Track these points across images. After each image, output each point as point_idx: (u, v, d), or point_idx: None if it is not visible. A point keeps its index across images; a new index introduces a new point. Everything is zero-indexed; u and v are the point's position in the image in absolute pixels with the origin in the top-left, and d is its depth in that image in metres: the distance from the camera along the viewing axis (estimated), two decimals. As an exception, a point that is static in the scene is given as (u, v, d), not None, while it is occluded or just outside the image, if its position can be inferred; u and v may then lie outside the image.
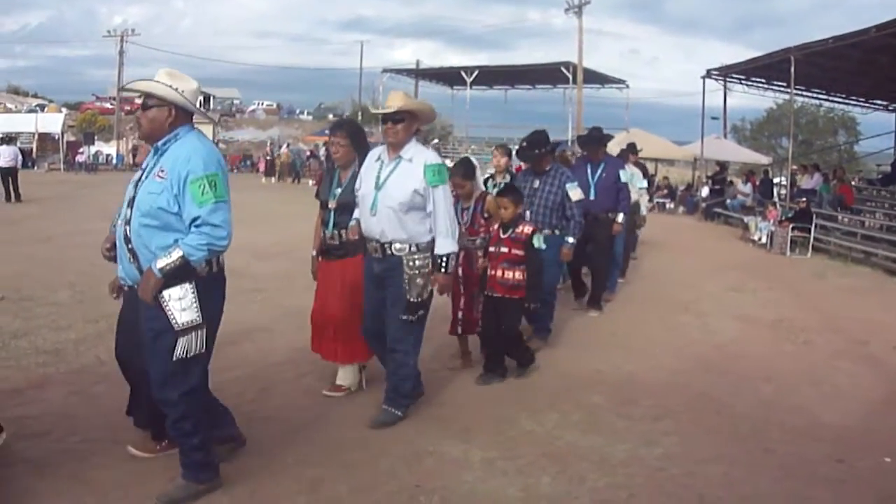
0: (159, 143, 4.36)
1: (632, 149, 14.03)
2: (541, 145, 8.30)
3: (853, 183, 27.47)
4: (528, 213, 7.97)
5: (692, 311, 10.56)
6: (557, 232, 8.21)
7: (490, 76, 55.60)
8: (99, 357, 7.00)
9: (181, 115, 4.40)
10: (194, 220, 4.15)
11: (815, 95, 33.90)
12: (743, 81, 31.09)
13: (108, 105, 60.22)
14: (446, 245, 5.58)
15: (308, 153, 46.01)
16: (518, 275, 6.82)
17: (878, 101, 31.97)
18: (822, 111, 53.27)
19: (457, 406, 6.29)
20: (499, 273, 6.87)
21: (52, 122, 44.86)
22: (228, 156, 49.00)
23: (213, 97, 76.38)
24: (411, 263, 5.56)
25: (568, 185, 8.20)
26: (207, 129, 50.97)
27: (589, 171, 10.10)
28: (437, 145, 46.68)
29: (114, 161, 47.57)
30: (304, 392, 6.44)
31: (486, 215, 7.22)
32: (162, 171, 4.23)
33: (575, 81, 46.28)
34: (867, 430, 6.13)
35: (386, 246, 5.62)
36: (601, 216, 9.87)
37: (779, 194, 26.02)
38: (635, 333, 9.08)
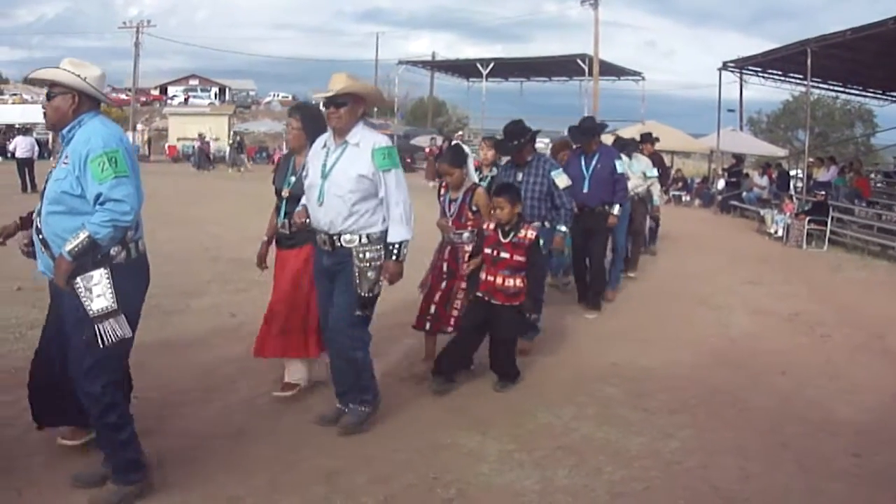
0: (65, 131, 4.30)
1: (647, 138, 13.95)
2: (519, 136, 7.89)
3: (871, 176, 27.29)
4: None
5: (708, 305, 10.54)
6: (548, 224, 7.81)
7: (506, 68, 55.49)
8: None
9: (86, 102, 4.32)
10: (97, 197, 4.07)
11: (831, 88, 33.61)
12: (759, 74, 30.87)
13: (123, 96, 60.37)
14: (399, 232, 5.26)
15: None
16: (519, 282, 6.36)
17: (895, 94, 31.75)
18: (839, 103, 52.81)
19: (473, 398, 6.30)
20: (499, 280, 6.36)
21: (69, 113, 44.93)
22: (245, 147, 49.13)
23: (229, 89, 76.61)
24: (362, 256, 5.25)
25: (553, 173, 7.80)
26: (223, 120, 51.23)
27: (583, 162, 9.70)
28: (461, 137, 46.56)
29: (130, 151, 47.56)
30: (320, 383, 6.44)
31: (473, 208, 6.82)
32: (66, 157, 4.21)
33: (591, 74, 46.16)
34: (883, 425, 6.11)
35: (335, 238, 5.29)
36: (597, 209, 9.58)
37: (795, 187, 25.87)
38: (651, 327, 9.07)
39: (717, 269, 13.75)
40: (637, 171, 11.82)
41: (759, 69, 29.96)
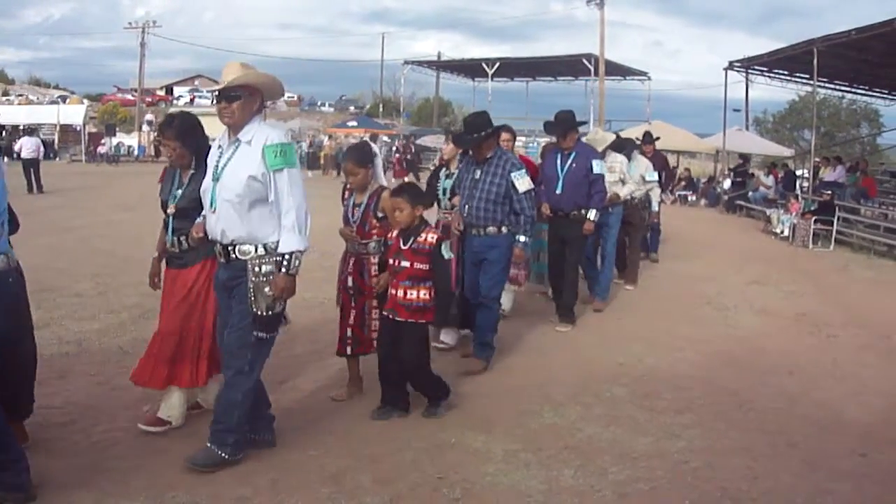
0: None
1: (647, 138, 13.72)
2: (479, 129, 7.20)
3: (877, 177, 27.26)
4: (466, 208, 7.19)
5: (714, 305, 10.51)
6: (505, 230, 7.13)
7: (512, 68, 55.50)
8: (122, 347, 7.06)
9: None
10: None
11: (837, 87, 33.65)
12: (765, 73, 30.89)
13: (129, 96, 60.50)
14: (291, 242, 4.64)
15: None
16: (423, 294, 5.58)
17: (902, 93, 31.74)
18: (845, 103, 52.87)
19: (478, 398, 6.29)
20: (400, 293, 5.60)
21: (74, 113, 45.10)
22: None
23: (234, 89, 76.40)
24: (257, 269, 4.69)
25: (513, 174, 7.04)
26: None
27: (558, 161, 8.84)
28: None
29: (135, 152, 47.77)
30: (325, 384, 6.44)
31: (379, 214, 5.97)
32: None
33: (597, 73, 46.18)
34: (891, 425, 6.08)
35: (229, 249, 4.74)
36: (572, 214, 8.72)
37: (801, 187, 25.85)
38: (657, 326, 9.04)
39: (723, 269, 13.72)
40: (635, 175, 11.07)
41: (765, 69, 29.98)
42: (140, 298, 8.52)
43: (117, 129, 50.13)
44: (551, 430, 5.68)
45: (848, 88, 33.60)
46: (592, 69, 46.98)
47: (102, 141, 44.62)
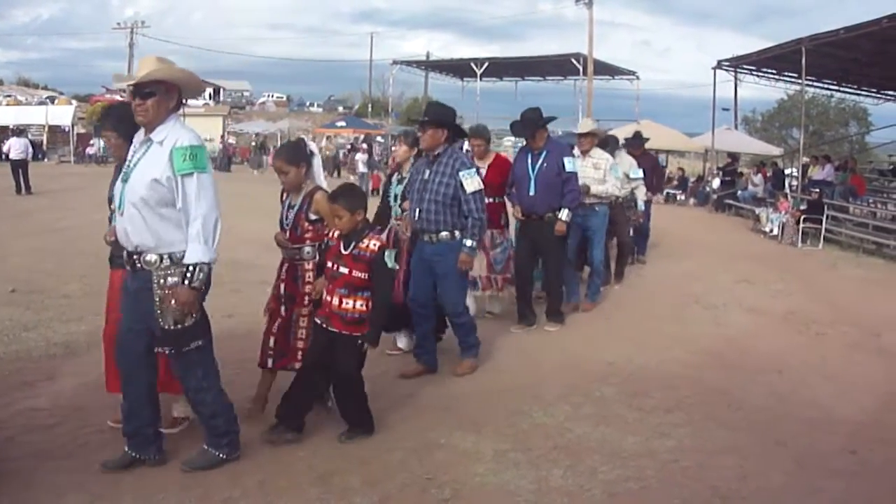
0: None
1: (637, 138, 13.04)
2: (535, 122, 7.10)
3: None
4: (417, 211, 6.75)
5: (703, 304, 10.52)
6: (459, 234, 6.72)
7: (500, 68, 55.51)
8: (110, 349, 7.02)
9: None
10: None
11: (826, 86, 33.73)
12: (754, 72, 30.96)
13: (118, 97, 60.24)
14: (196, 252, 4.34)
15: (348, 147, 45.06)
16: (360, 305, 5.17)
17: (890, 92, 31.81)
18: (834, 102, 52.97)
19: (468, 398, 6.28)
20: (336, 301, 5.19)
21: (63, 114, 44.90)
22: (239, 148, 49.14)
23: (223, 89, 76.50)
24: (162, 282, 4.40)
25: (462, 174, 6.63)
26: (217, 121, 51.18)
27: (529, 161, 8.45)
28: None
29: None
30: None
31: (312, 217, 5.58)
32: None
33: (585, 73, 46.21)
34: (880, 423, 6.11)
35: (135, 257, 4.46)
36: (546, 217, 8.38)
37: (790, 185, 25.92)
38: (646, 326, 9.05)
39: (712, 268, 13.75)
40: (618, 173, 10.50)
41: (753, 68, 30.06)
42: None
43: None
44: (541, 429, 5.66)
45: (836, 87, 33.70)
46: (581, 69, 47.02)
47: (91, 142, 44.37)
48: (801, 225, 18.29)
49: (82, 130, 47.76)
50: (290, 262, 5.71)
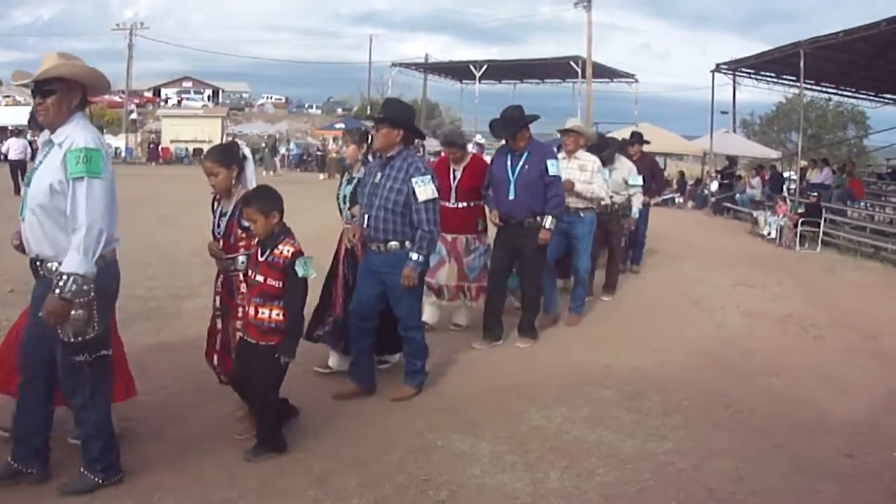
0: None
1: (635, 138, 12.76)
2: (516, 122, 6.74)
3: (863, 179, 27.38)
4: (366, 218, 6.19)
5: (701, 306, 10.52)
6: (408, 245, 6.10)
7: (499, 70, 55.41)
8: (108, 350, 7.01)
9: None
10: None
11: (824, 90, 33.69)
12: (752, 76, 30.92)
13: (117, 98, 60.29)
14: (72, 262, 4.02)
15: None
16: (276, 314, 4.93)
17: (888, 96, 31.78)
18: (832, 105, 53.06)
19: (465, 400, 6.28)
20: (251, 310, 4.98)
21: (62, 115, 44.93)
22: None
23: (222, 91, 76.62)
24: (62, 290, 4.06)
25: (415, 180, 6.01)
26: (216, 122, 51.20)
27: (508, 162, 7.84)
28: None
29: (122, 154, 47.66)
30: (312, 387, 6.42)
31: (245, 224, 5.18)
32: None
33: (584, 76, 46.20)
34: (876, 426, 6.10)
35: (36, 264, 4.28)
36: (527, 223, 7.76)
37: (788, 189, 25.92)
38: (644, 328, 9.05)
39: (710, 271, 13.72)
40: (617, 179, 10.38)
41: (752, 71, 30.02)
42: (122, 301, 8.46)
43: (105, 130, 49.98)
44: (538, 431, 5.67)
45: (835, 90, 33.66)
46: (580, 71, 46.93)
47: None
48: (799, 228, 18.26)
49: (81, 131, 47.71)
50: (224, 274, 5.43)
